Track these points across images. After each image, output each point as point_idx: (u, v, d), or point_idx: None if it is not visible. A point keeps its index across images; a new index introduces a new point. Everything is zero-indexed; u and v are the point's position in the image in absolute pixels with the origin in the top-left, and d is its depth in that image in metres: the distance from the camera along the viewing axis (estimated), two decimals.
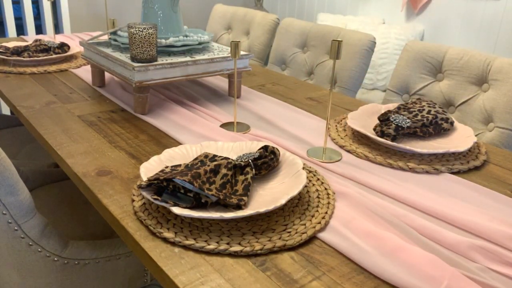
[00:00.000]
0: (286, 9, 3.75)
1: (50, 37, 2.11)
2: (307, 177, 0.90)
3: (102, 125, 1.16)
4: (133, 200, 0.81)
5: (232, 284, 0.62)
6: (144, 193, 0.75)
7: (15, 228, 0.92)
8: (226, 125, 1.17)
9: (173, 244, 0.70)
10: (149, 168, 0.84)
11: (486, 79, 1.35)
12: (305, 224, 0.75)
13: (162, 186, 0.77)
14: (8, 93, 1.37)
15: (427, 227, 0.76)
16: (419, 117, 1.11)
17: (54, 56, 1.68)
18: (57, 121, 1.17)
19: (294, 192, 0.76)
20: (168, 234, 0.71)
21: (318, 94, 1.52)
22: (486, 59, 1.35)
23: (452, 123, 1.14)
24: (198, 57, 1.30)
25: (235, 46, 1.06)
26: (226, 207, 0.76)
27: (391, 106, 1.25)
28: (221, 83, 1.59)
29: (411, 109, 1.15)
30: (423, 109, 1.15)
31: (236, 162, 0.82)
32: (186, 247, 0.69)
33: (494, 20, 2.54)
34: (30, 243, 0.95)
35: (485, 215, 0.80)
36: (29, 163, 1.54)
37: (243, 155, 0.87)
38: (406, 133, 1.08)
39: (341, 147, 1.08)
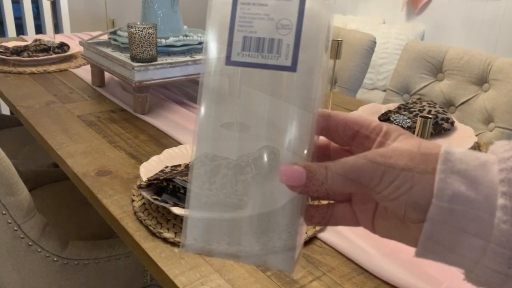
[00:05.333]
0: None
1: (50, 36, 2.11)
2: None
3: (102, 125, 1.16)
4: (133, 200, 0.80)
5: (232, 285, 0.62)
6: (144, 193, 0.75)
7: (15, 228, 0.92)
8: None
9: (173, 244, 0.70)
10: (149, 168, 0.83)
11: (486, 79, 1.35)
12: None
13: (162, 186, 0.76)
14: (7, 93, 1.37)
15: None
16: None
17: (53, 56, 1.68)
18: (57, 121, 1.17)
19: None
20: (168, 234, 0.71)
21: None
22: (487, 59, 1.35)
23: (452, 123, 1.14)
24: (198, 57, 1.30)
25: None
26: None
27: (392, 106, 1.25)
28: None
29: (412, 109, 1.15)
30: (424, 109, 1.14)
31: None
32: None
33: (494, 20, 2.54)
34: (30, 243, 0.95)
35: None
36: (28, 163, 1.54)
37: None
38: None
39: None
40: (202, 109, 0.37)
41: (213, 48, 0.35)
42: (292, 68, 0.33)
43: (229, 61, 0.34)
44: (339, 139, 0.36)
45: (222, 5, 0.35)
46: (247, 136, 0.37)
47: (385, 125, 0.34)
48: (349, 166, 0.31)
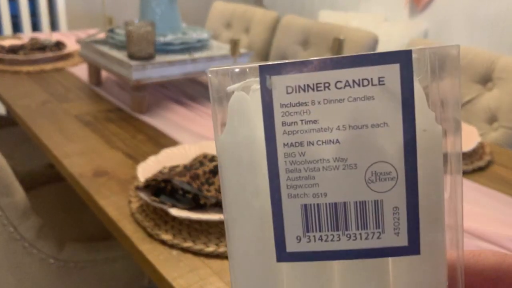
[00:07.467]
0: (287, 5, 3.73)
1: (46, 34, 2.10)
2: None
3: (99, 125, 1.14)
4: (130, 202, 0.79)
5: None
6: (142, 194, 0.74)
7: (11, 229, 0.90)
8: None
9: (171, 246, 0.69)
10: (147, 169, 0.82)
11: (490, 77, 1.33)
12: None
13: (160, 187, 0.75)
14: (3, 92, 1.36)
15: None
16: None
17: (50, 54, 1.66)
18: (53, 120, 1.16)
19: None
20: (166, 236, 0.70)
21: None
22: (491, 58, 1.33)
23: None
24: (197, 55, 1.29)
25: (234, 44, 1.05)
26: None
27: None
28: None
29: None
30: None
31: None
32: (185, 250, 0.68)
33: (498, 18, 2.53)
34: (26, 245, 0.93)
35: (489, 217, 0.78)
36: (24, 164, 1.52)
37: None
38: None
39: None
40: None
41: (244, 231, 0.20)
42: (412, 249, 0.18)
43: (283, 254, 0.19)
44: None
45: (239, 146, 0.20)
46: None
47: None
48: None
